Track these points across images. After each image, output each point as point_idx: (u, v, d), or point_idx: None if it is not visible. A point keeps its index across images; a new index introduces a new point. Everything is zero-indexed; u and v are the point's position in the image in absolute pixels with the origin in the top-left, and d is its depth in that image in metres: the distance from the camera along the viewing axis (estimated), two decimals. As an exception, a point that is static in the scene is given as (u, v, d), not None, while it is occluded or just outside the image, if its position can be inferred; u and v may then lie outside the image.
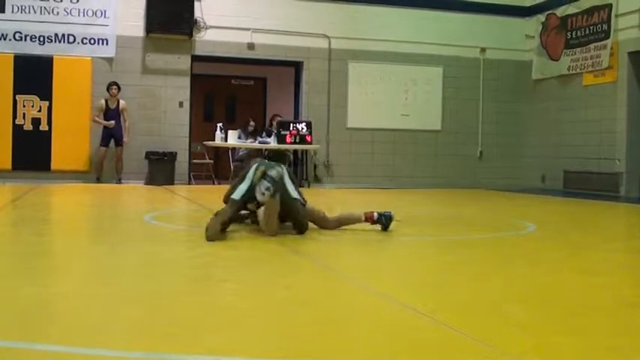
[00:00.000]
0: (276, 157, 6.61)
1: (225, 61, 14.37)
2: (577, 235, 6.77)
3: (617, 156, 12.88)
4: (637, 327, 2.94)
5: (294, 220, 5.68)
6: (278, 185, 5.44)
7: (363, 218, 5.99)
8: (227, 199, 5.97)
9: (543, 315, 3.10)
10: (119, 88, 12.77)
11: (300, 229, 5.66)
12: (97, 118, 12.70)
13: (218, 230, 5.24)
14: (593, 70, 13.46)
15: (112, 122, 12.68)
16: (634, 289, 3.96)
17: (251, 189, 5.63)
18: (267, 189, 5.34)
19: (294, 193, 5.74)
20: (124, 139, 12.83)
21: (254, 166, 5.78)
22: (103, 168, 12.83)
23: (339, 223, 6.03)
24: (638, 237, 7.34)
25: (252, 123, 14.36)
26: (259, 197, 5.39)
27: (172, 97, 13.56)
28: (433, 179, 14.61)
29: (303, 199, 5.99)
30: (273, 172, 5.43)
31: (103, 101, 12.72)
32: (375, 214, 5.98)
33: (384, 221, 5.96)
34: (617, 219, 9.13)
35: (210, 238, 5.15)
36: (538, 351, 2.49)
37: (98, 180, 12.76)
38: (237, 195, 5.67)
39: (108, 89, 12.73)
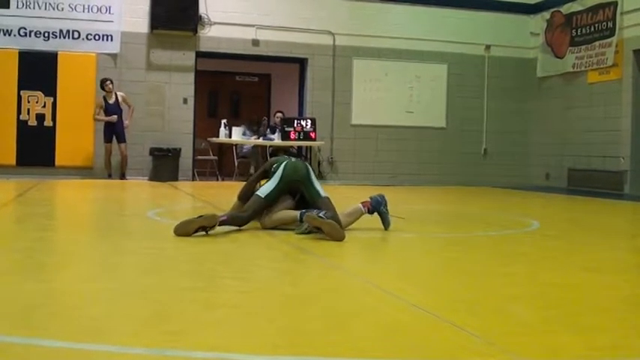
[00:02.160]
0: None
1: (230, 57, 14.38)
2: (581, 233, 6.75)
3: (621, 154, 12.86)
4: (641, 326, 2.94)
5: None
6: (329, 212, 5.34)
7: (364, 209, 5.72)
8: (243, 194, 5.89)
9: (547, 313, 3.10)
10: (112, 82, 12.74)
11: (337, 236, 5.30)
12: (97, 116, 12.71)
13: (188, 232, 5.14)
14: (598, 68, 13.43)
15: (115, 117, 12.67)
16: (639, 288, 3.95)
17: (278, 188, 5.62)
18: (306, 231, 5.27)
19: (322, 192, 5.69)
20: (125, 123, 12.79)
21: (283, 164, 5.71)
22: (112, 164, 12.86)
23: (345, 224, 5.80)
24: (643, 235, 7.31)
25: (264, 119, 14.36)
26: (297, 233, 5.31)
27: (177, 94, 13.57)
28: (437, 176, 14.60)
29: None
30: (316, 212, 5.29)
31: (101, 98, 12.71)
32: (369, 203, 5.70)
33: (379, 208, 5.69)
34: (622, 217, 9.11)
35: (176, 232, 5.13)
36: (541, 350, 2.48)
37: (110, 177, 12.78)
38: (262, 192, 5.60)
39: (103, 86, 12.67)
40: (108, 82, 12.66)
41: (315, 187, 5.68)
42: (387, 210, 5.77)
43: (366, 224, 5.88)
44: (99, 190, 10.70)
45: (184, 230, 5.14)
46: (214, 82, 16.57)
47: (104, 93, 12.70)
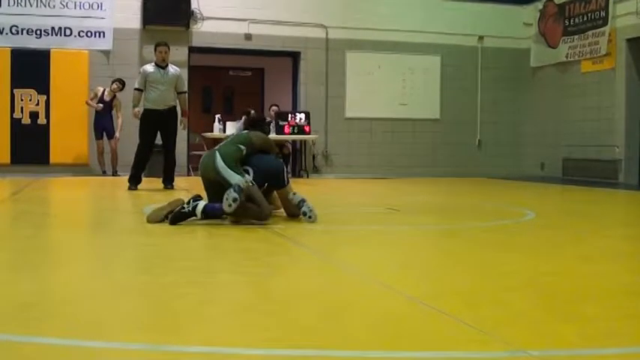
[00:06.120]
0: (255, 122, 6.50)
1: (223, 52, 14.35)
2: (576, 222, 6.77)
3: (615, 143, 12.87)
4: (636, 314, 2.95)
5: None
6: (243, 194, 5.34)
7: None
8: None
9: (542, 303, 3.11)
10: (121, 87, 12.56)
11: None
12: (89, 101, 12.63)
13: (159, 218, 5.51)
14: (591, 57, 13.44)
15: (100, 105, 12.51)
16: (633, 276, 3.96)
17: (205, 186, 6.00)
18: (234, 200, 5.24)
19: (234, 179, 5.59)
20: (116, 134, 12.73)
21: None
22: (104, 161, 12.81)
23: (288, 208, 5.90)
24: (637, 224, 7.34)
25: (252, 112, 14.31)
26: (226, 209, 5.29)
27: (170, 89, 13.49)
28: (432, 168, 14.60)
29: (288, 179, 5.92)
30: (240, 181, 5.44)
31: (100, 88, 12.65)
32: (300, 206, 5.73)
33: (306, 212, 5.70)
34: (617, 206, 9.13)
35: (149, 220, 5.54)
36: (537, 339, 2.49)
37: (104, 173, 12.75)
38: None
39: (112, 82, 12.59)
40: (116, 83, 12.47)
41: (224, 176, 5.62)
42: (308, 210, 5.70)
43: (363, 219, 5.89)
44: (94, 186, 10.69)
45: (154, 218, 5.53)
46: (208, 77, 16.54)
47: (108, 89, 12.59)
